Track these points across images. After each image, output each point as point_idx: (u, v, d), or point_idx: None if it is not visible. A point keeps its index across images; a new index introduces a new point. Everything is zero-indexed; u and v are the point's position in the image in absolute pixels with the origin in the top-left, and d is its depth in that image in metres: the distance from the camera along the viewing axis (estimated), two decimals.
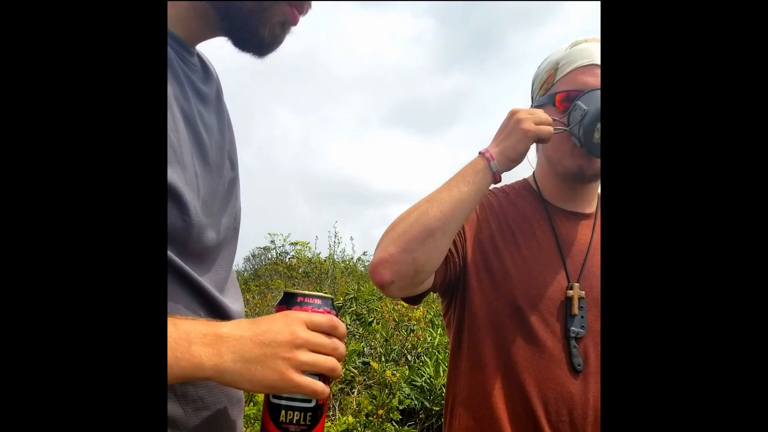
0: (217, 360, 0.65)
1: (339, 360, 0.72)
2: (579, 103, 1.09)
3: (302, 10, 0.82)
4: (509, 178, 1.28)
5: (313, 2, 0.84)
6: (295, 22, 0.82)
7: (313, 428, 0.71)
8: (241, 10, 0.78)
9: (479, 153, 1.08)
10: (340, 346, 0.72)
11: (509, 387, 1.11)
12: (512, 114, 1.07)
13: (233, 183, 0.88)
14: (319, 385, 0.69)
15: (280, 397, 0.71)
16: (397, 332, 4.78)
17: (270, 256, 8.47)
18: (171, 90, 0.75)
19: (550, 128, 1.04)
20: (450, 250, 1.14)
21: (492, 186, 1.11)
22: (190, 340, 0.64)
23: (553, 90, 1.19)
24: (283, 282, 6.85)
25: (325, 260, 7.72)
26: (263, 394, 0.74)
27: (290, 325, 0.69)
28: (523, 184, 1.30)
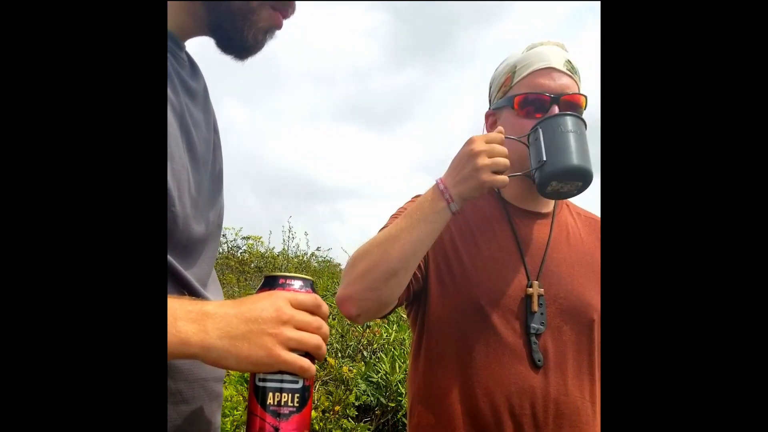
0: (203, 336, 0.64)
1: (324, 339, 0.71)
2: (540, 134, 1.09)
3: (287, 15, 0.83)
4: None
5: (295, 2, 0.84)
6: (279, 27, 0.83)
7: (301, 410, 0.69)
8: (229, 9, 0.79)
9: (438, 189, 1.08)
10: (324, 325, 0.71)
11: (470, 383, 1.14)
12: (470, 153, 1.05)
13: (218, 179, 0.87)
14: (306, 362, 0.68)
15: (266, 380, 0.69)
16: (353, 328, 4.78)
17: (221, 250, 8.33)
18: None
19: (506, 178, 1.05)
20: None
21: None
22: (175, 315, 0.63)
23: (511, 93, 1.22)
24: (235, 277, 6.73)
25: (278, 255, 7.64)
26: (248, 382, 0.72)
27: (275, 302, 0.69)
28: None
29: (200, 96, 0.86)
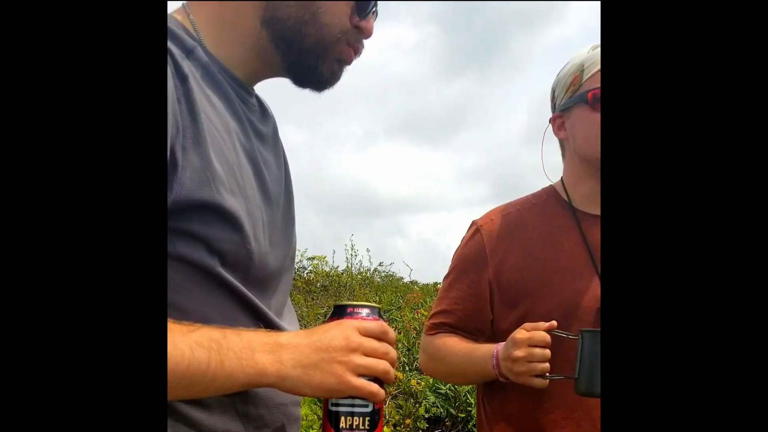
0: (279, 366, 0.69)
1: (391, 364, 0.75)
2: (579, 345, 1.07)
3: (358, 51, 0.88)
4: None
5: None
6: (350, 61, 0.88)
7: (373, 431, 0.74)
8: (301, 48, 0.84)
9: (492, 361, 1.16)
10: (392, 351, 0.75)
11: (550, 400, 1.15)
12: (511, 357, 1.10)
13: (290, 214, 0.93)
14: (375, 387, 0.72)
15: (339, 404, 0.74)
16: (419, 341, 4.77)
17: None
18: (233, 127, 0.80)
19: (545, 382, 1.09)
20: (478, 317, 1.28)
21: (515, 200, 1.28)
22: (253, 348, 0.69)
23: (581, 90, 1.20)
24: (302, 297, 6.87)
25: (342, 273, 7.73)
26: (322, 407, 0.76)
27: (344, 331, 0.73)
28: (550, 191, 1.31)
29: (270, 138, 0.91)
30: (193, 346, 0.66)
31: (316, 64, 0.84)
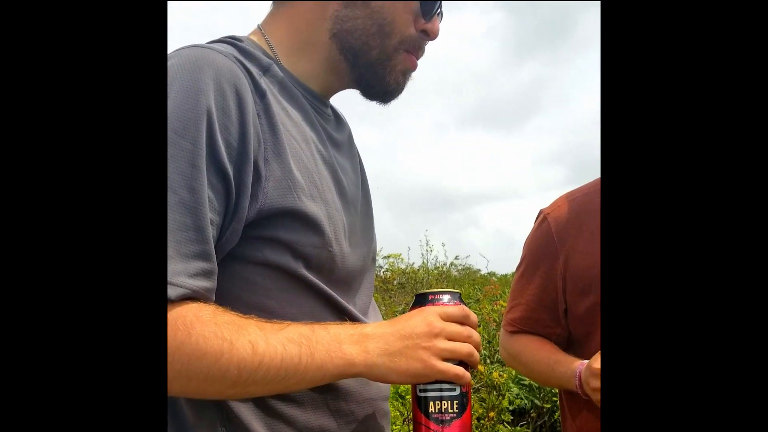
0: (366, 356, 0.73)
1: (475, 347, 0.77)
2: None
3: (419, 56, 0.91)
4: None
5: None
6: (414, 68, 0.91)
7: (461, 415, 0.75)
8: (368, 60, 0.88)
9: (577, 384, 1.16)
10: (474, 334, 0.77)
11: None
12: (592, 388, 1.10)
13: (369, 216, 0.98)
14: (460, 370, 0.75)
15: (427, 390, 0.76)
16: (498, 333, 4.70)
17: None
18: (311, 137, 0.85)
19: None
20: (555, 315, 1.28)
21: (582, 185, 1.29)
22: (340, 340, 0.73)
23: None
24: (380, 295, 6.94)
25: (419, 270, 7.75)
26: (403, 398, 0.81)
27: (426, 317, 0.75)
28: None
29: (345, 145, 0.96)
30: (285, 342, 0.70)
31: (383, 75, 0.88)
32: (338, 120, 0.98)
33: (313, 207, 0.79)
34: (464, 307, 0.78)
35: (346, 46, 0.87)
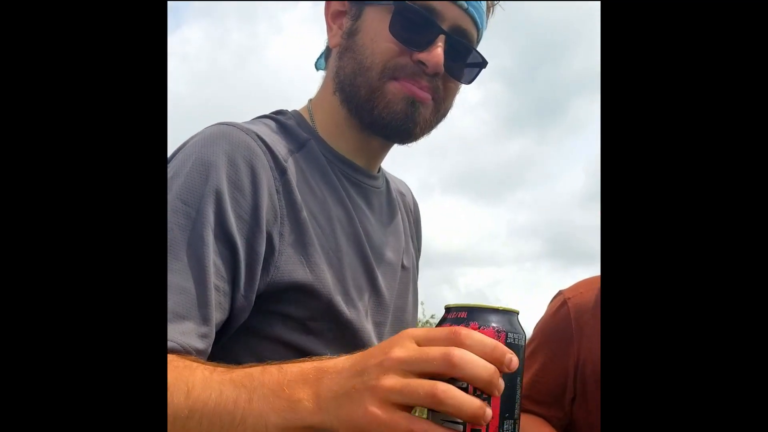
0: (315, 401, 0.52)
1: (486, 382, 0.48)
2: None
3: (421, 86, 0.83)
4: None
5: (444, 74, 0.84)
6: (418, 96, 0.83)
7: None
8: (359, 101, 0.85)
9: None
10: (480, 365, 0.48)
11: None
12: None
13: (405, 294, 0.95)
14: (420, 427, 0.48)
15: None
16: None
17: None
18: (336, 214, 0.83)
19: None
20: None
21: None
22: (291, 379, 0.54)
23: None
24: None
25: None
26: None
27: (391, 342, 0.52)
28: None
29: (386, 218, 0.94)
30: (224, 385, 0.56)
31: (371, 109, 0.83)
32: (389, 192, 0.97)
33: (326, 283, 0.77)
34: (460, 329, 0.50)
35: (343, 96, 0.86)
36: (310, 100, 0.93)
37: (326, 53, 0.93)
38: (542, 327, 1.26)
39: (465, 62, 0.87)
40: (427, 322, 8.02)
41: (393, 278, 0.91)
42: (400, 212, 1.00)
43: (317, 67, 0.96)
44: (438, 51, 0.82)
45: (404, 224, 1.00)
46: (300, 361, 0.57)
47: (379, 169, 0.97)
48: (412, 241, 1.03)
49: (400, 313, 0.93)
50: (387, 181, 0.99)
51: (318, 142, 0.87)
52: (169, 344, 0.64)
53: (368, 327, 0.82)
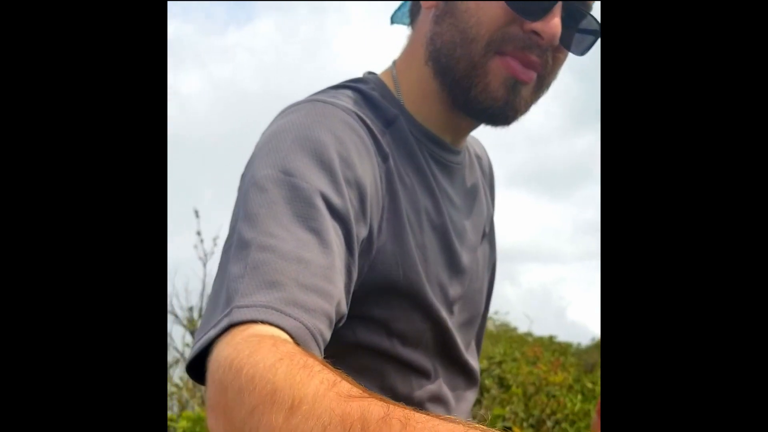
0: None
1: None
2: None
3: (531, 62, 0.71)
4: None
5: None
6: (522, 77, 0.71)
7: None
8: (455, 76, 0.73)
9: None
10: None
11: None
12: None
13: (479, 279, 0.87)
14: None
15: None
16: (536, 396, 4.56)
17: None
18: (423, 206, 0.74)
19: None
20: None
21: None
22: None
23: None
24: None
25: None
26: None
27: None
28: None
29: (469, 200, 0.85)
30: (334, 417, 0.38)
31: (468, 89, 0.72)
32: (470, 164, 0.87)
33: (414, 282, 0.71)
34: None
35: (438, 68, 0.74)
36: (395, 63, 0.80)
37: (413, 9, 0.80)
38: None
39: (578, 29, 0.73)
40: (490, 318, 7.91)
41: (474, 262, 0.83)
42: (480, 180, 0.90)
43: (393, 21, 0.84)
44: (556, 21, 0.69)
45: (484, 192, 0.91)
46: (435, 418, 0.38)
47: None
48: (488, 207, 0.92)
49: (477, 295, 0.85)
50: (468, 149, 0.87)
51: (406, 117, 0.76)
52: (290, 323, 0.50)
53: (448, 323, 0.76)
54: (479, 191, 0.89)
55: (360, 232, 0.63)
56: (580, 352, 8.40)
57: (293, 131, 0.64)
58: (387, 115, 0.74)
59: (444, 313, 0.76)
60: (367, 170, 0.66)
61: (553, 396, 4.52)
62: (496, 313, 7.91)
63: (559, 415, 4.26)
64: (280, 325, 0.50)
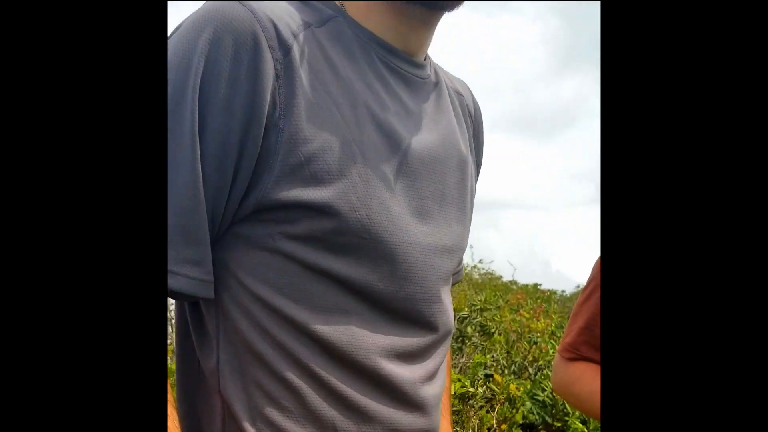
0: None
1: None
2: None
3: None
4: None
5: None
6: None
7: None
8: None
9: None
10: None
11: None
12: None
13: (446, 199, 0.80)
14: None
15: None
16: (518, 343, 4.66)
17: None
18: (363, 100, 0.71)
19: None
20: None
21: None
22: None
23: None
24: None
25: None
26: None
27: None
28: None
29: (430, 114, 0.79)
30: None
31: None
32: (439, 87, 0.82)
33: (339, 183, 0.66)
34: None
35: None
36: None
37: None
38: (599, 269, 1.20)
39: None
40: (474, 267, 7.91)
41: (432, 179, 0.77)
42: (457, 114, 0.85)
43: None
44: None
45: (462, 128, 0.85)
46: None
47: (426, 56, 0.81)
48: (471, 154, 0.86)
49: (440, 226, 0.77)
50: (438, 75, 0.83)
51: (349, 22, 0.73)
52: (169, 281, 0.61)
53: (403, 236, 0.71)
54: (452, 121, 0.83)
55: (250, 139, 0.64)
56: (564, 299, 8.55)
57: (174, 47, 0.65)
58: (322, 15, 0.72)
59: (384, 217, 0.70)
60: (258, 69, 0.64)
61: (535, 343, 4.63)
62: (480, 261, 7.99)
63: (541, 362, 4.38)
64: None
